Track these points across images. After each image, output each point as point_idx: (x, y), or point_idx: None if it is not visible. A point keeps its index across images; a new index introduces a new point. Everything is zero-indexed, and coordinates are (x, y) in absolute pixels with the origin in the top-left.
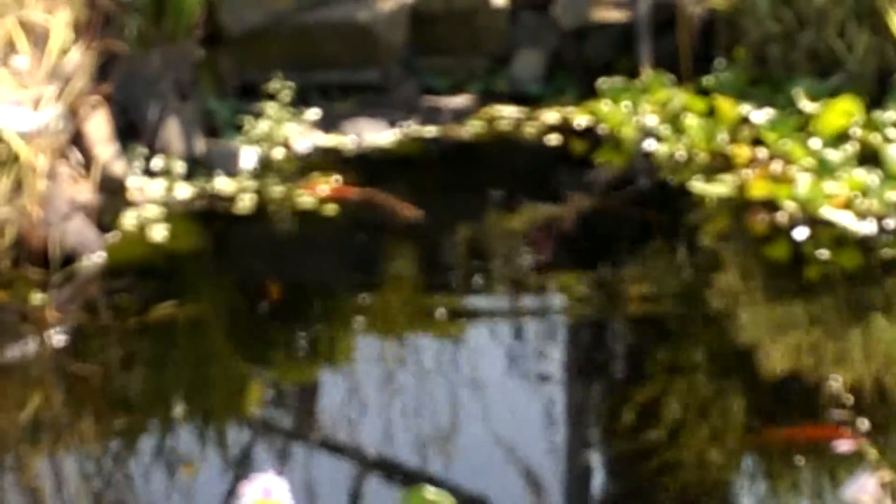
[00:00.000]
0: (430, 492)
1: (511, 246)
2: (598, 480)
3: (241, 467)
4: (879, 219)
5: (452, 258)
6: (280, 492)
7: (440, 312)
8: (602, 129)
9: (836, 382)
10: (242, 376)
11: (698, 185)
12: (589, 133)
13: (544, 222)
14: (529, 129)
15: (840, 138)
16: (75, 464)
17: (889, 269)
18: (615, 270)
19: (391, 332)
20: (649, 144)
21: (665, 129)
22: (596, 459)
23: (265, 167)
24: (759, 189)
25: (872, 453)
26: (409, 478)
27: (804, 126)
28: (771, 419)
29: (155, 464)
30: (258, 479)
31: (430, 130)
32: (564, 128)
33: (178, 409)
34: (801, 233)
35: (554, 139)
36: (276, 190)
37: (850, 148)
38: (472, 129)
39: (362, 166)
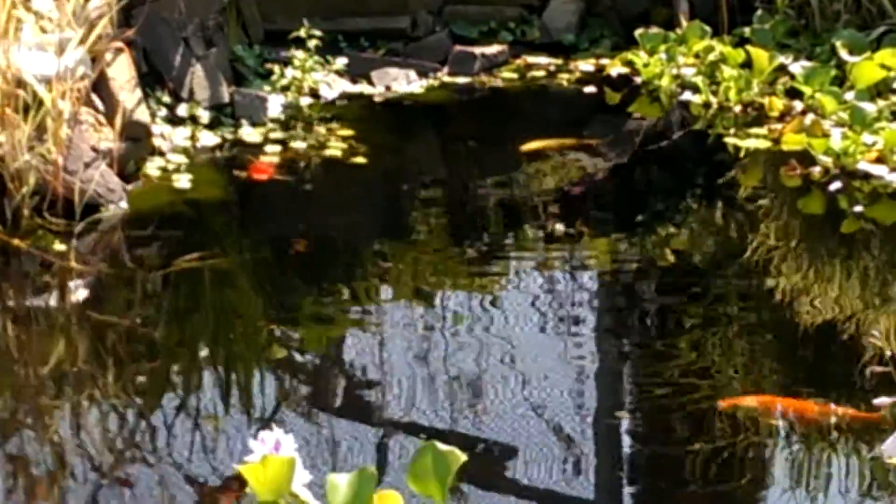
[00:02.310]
0: (441, 448)
1: (543, 197)
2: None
3: (262, 419)
4: None
5: (479, 208)
6: (288, 447)
7: (469, 261)
8: (638, 79)
9: (875, 338)
10: (265, 328)
11: (733, 138)
12: (624, 83)
13: (578, 174)
14: (563, 79)
15: (879, 91)
16: (97, 413)
17: None
18: (649, 224)
19: (418, 285)
20: (686, 95)
21: (702, 80)
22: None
23: (292, 116)
24: (792, 142)
25: None
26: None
27: (842, 78)
28: (808, 376)
29: (176, 415)
30: (267, 434)
31: (461, 80)
32: (599, 78)
33: (201, 360)
34: (835, 186)
35: (588, 89)
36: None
37: (885, 101)
38: (504, 78)
39: (390, 115)
